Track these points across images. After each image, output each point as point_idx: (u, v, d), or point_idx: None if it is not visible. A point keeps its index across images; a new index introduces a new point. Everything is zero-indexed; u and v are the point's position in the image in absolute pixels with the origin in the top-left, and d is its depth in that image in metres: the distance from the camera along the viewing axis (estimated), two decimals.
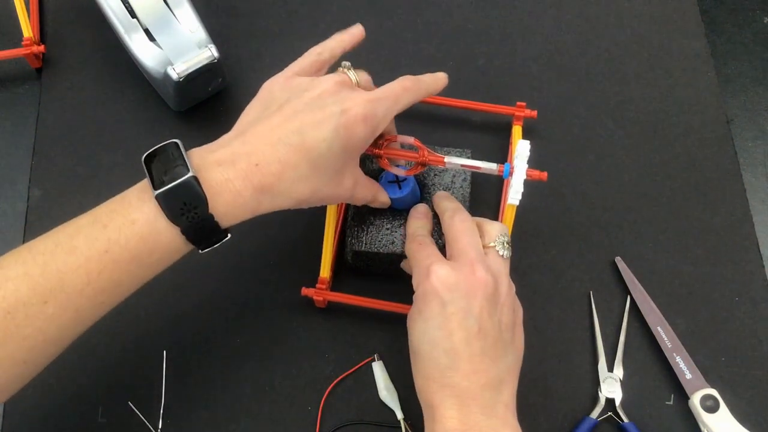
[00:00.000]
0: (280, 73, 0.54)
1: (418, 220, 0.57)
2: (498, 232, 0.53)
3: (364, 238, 0.60)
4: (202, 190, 0.45)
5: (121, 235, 0.45)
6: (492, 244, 0.52)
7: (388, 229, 0.61)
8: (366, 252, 0.60)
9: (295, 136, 0.48)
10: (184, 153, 0.47)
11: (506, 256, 0.53)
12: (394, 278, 0.63)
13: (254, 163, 0.47)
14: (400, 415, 0.58)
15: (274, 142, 0.48)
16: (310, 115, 0.49)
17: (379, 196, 0.58)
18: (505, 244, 0.53)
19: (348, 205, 0.63)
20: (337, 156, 0.49)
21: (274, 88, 0.52)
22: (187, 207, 0.45)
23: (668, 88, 0.73)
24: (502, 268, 0.52)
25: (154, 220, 0.45)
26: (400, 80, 0.53)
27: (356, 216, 0.61)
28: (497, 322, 0.49)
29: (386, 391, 0.59)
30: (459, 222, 0.53)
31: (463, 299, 0.48)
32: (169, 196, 0.45)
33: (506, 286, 0.51)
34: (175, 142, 0.48)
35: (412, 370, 0.51)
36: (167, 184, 0.45)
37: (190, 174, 0.45)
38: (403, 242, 0.60)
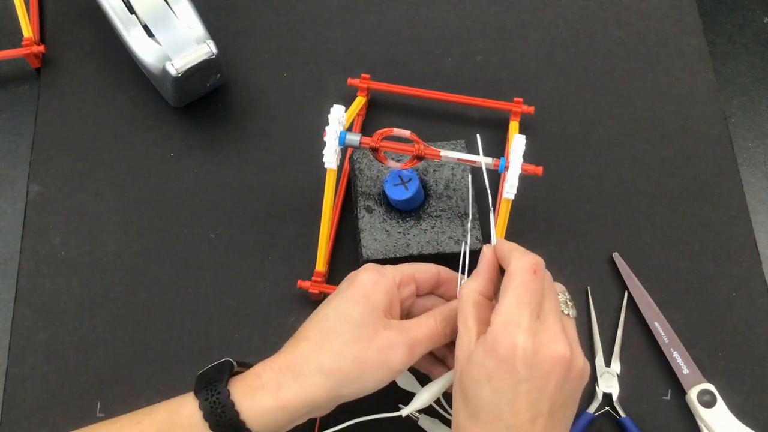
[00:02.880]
0: None
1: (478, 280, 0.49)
2: (559, 288, 0.48)
3: (379, 246, 0.60)
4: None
5: None
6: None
7: (399, 232, 0.61)
8: (383, 260, 0.60)
9: None
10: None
11: (572, 315, 0.47)
12: None
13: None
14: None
15: None
16: None
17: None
18: (568, 302, 0.47)
19: (357, 212, 0.63)
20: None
21: None
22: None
23: (666, 85, 0.73)
24: (575, 333, 0.46)
25: None
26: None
27: (366, 226, 0.61)
28: (566, 397, 0.45)
29: (404, 378, 0.56)
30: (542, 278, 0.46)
31: (540, 379, 0.43)
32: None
33: (580, 358, 0.45)
34: (229, 362, 0.50)
35: (458, 414, 0.46)
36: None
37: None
38: (417, 242, 0.60)
